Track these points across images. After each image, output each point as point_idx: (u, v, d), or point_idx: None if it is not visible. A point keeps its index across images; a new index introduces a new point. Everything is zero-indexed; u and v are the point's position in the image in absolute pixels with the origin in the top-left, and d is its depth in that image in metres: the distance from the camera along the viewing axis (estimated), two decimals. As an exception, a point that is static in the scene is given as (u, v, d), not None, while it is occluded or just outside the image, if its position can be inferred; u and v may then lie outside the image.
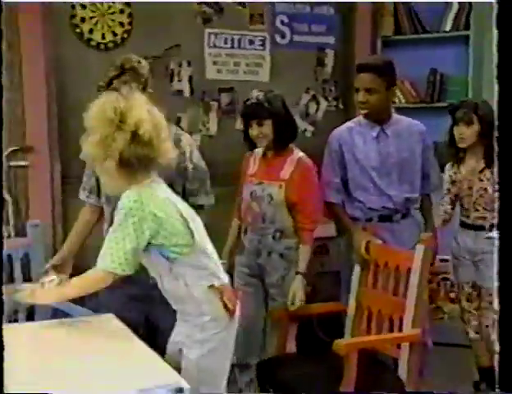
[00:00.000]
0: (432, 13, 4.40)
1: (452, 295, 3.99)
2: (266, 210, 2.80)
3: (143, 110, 1.96)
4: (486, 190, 3.05)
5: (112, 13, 3.81)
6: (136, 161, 1.94)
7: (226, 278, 2.07)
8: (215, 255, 2.08)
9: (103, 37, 3.81)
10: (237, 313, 2.05)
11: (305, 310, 2.78)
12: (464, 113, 3.05)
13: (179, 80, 4.02)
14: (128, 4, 3.83)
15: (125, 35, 3.85)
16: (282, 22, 4.29)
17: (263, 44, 4.24)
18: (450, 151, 3.19)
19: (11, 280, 2.87)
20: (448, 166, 3.21)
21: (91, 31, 3.77)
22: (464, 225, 3.16)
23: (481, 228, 3.07)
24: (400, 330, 2.41)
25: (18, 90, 3.54)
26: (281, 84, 4.23)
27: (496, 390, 1.54)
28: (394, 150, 2.90)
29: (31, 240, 2.98)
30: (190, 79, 4.05)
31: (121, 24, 3.83)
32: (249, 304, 2.80)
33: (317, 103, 4.47)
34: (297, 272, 2.75)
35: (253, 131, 2.81)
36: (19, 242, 3.17)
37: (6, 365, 1.42)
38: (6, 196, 3.44)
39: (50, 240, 3.55)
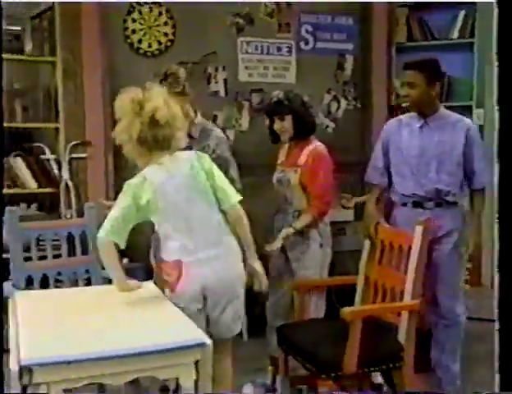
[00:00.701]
0: (441, 22, 4.55)
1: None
2: (286, 193, 3.07)
3: (159, 100, 2.20)
4: None
5: (158, 25, 4.09)
6: (152, 140, 2.19)
7: (192, 257, 2.23)
8: (189, 233, 2.25)
9: (150, 46, 4.08)
10: (181, 288, 2.22)
11: (324, 282, 3.04)
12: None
13: (215, 83, 4.26)
14: (171, 17, 4.10)
15: (169, 44, 4.12)
16: (307, 31, 4.49)
17: (290, 51, 4.44)
18: None
19: (73, 253, 3.13)
20: None
21: (140, 41, 4.05)
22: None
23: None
24: (401, 300, 2.57)
25: (79, 93, 3.82)
26: (306, 85, 4.45)
27: (496, 390, 1.54)
28: (435, 142, 2.90)
29: (87, 220, 3.14)
30: (225, 81, 4.28)
31: (166, 34, 4.11)
32: (275, 273, 3.08)
33: (338, 103, 4.65)
34: (290, 225, 2.97)
35: (276, 126, 3.07)
36: (78, 221, 3.45)
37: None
38: (69, 183, 3.73)
39: (103, 220, 3.84)
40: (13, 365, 1.70)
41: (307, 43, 4.52)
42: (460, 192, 2.99)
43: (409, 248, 2.60)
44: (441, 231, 2.92)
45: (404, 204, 3.00)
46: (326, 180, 3.01)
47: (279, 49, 4.42)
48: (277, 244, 2.96)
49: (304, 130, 3.05)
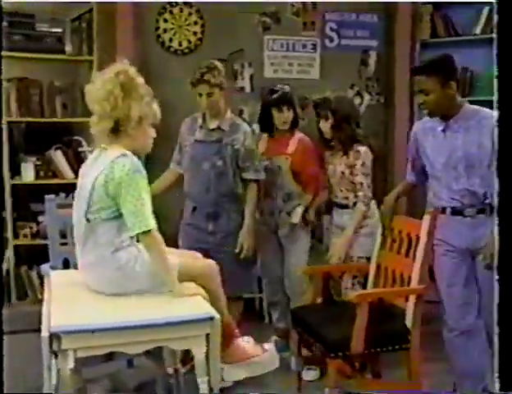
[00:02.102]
0: (464, 19, 4.52)
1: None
2: (276, 179, 3.27)
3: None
4: (343, 173, 3.16)
5: (188, 25, 4.23)
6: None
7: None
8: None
9: (180, 44, 4.23)
10: None
11: (339, 268, 3.14)
12: (322, 110, 3.22)
13: (242, 79, 4.38)
14: (201, 17, 4.24)
15: (198, 43, 4.25)
16: (331, 28, 4.54)
17: (314, 48, 4.51)
18: (320, 142, 3.33)
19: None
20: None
21: (171, 40, 4.21)
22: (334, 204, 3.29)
23: (345, 207, 3.19)
24: (409, 285, 2.64)
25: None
26: (329, 81, 4.52)
27: (496, 390, 1.54)
28: (460, 144, 2.62)
29: None
30: (251, 77, 4.39)
31: (195, 33, 4.25)
32: (268, 255, 3.37)
33: (361, 98, 4.69)
34: (299, 205, 3.28)
35: (285, 115, 3.27)
36: None
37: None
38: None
39: None
40: (44, 332, 1.86)
41: (331, 40, 4.57)
42: None
43: (417, 236, 2.67)
44: (482, 242, 2.56)
45: (443, 211, 2.72)
46: (315, 167, 3.30)
47: (304, 46, 4.49)
48: (296, 219, 3.27)
49: (296, 122, 3.34)
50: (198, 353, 1.96)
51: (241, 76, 4.38)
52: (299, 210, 3.26)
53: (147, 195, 2.09)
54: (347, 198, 3.19)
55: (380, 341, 2.55)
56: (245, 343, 2.26)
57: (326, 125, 3.21)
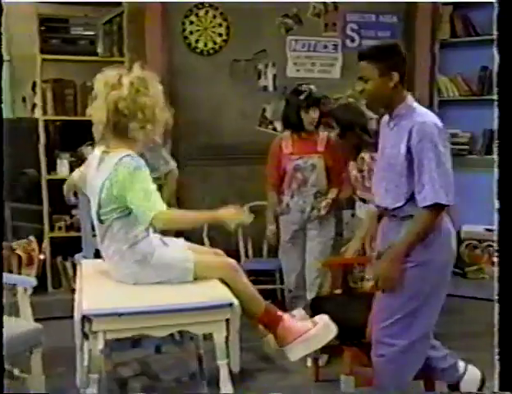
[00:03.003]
0: (483, 19, 4.50)
1: (495, 259, 4.19)
2: (308, 177, 3.30)
3: (126, 89, 2.07)
4: (356, 177, 3.11)
5: (213, 26, 4.31)
6: (112, 127, 2.10)
7: None
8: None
9: (206, 45, 4.31)
10: None
11: (358, 260, 3.11)
12: (327, 120, 3.22)
13: (265, 78, 4.43)
14: (225, 19, 4.32)
15: (223, 44, 4.33)
16: (352, 29, 4.57)
17: (336, 48, 4.54)
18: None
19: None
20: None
21: (197, 41, 4.29)
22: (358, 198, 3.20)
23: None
24: None
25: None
26: (350, 80, 4.52)
27: (496, 390, 1.51)
28: (389, 146, 2.28)
29: None
30: (274, 77, 4.44)
31: (220, 34, 4.33)
32: (293, 253, 3.39)
33: (382, 97, 4.76)
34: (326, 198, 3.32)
35: (314, 115, 3.28)
36: None
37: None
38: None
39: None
40: (77, 316, 1.96)
41: (352, 40, 4.60)
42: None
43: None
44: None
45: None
46: (343, 162, 3.30)
47: (325, 47, 4.53)
48: (324, 211, 3.32)
49: (320, 121, 3.34)
50: (219, 337, 2.02)
51: (264, 76, 4.44)
52: (327, 202, 3.31)
53: (151, 186, 2.07)
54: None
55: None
56: (292, 323, 2.22)
57: (332, 135, 3.25)
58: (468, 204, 4.02)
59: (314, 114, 3.29)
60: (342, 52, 4.56)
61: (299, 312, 2.37)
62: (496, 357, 1.51)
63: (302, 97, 3.31)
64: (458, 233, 4.66)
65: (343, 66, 4.56)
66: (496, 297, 1.50)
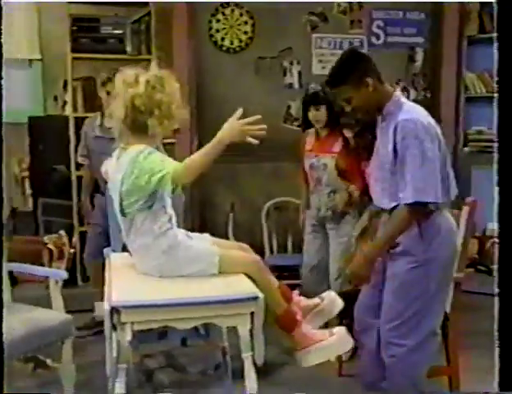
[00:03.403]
0: (512, 14, 4.46)
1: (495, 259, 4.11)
2: (322, 176, 3.30)
3: (142, 86, 2.06)
4: None
5: (239, 25, 4.35)
6: (130, 124, 2.10)
7: None
8: None
9: (232, 43, 4.35)
10: None
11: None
12: (345, 119, 3.15)
13: (290, 76, 4.45)
14: (251, 17, 4.34)
15: (249, 41, 4.36)
16: (378, 26, 4.56)
17: (361, 45, 4.52)
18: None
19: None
20: None
21: (223, 39, 4.33)
22: None
23: None
24: None
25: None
26: (376, 77, 4.57)
27: (496, 390, 1.51)
28: (378, 142, 2.30)
29: (176, 199, 3.42)
30: (299, 74, 4.46)
31: (246, 32, 4.36)
32: (311, 247, 3.42)
33: (408, 93, 4.66)
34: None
35: (311, 114, 3.26)
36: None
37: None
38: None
39: (188, 196, 4.01)
40: (106, 307, 2.00)
41: (378, 37, 4.58)
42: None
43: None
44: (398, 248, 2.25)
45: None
46: (358, 165, 3.26)
47: (351, 44, 4.53)
48: (340, 206, 3.29)
49: (336, 120, 3.26)
50: (243, 330, 2.04)
51: (290, 73, 4.46)
52: (341, 197, 3.27)
53: (163, 157, 2.08)
54: None
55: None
56: (310, 330, 2.21)
57: (348, 134, 3.21)
58: (493, 202, 3.95)
59: (317, 112, 3.26)
60: (368, 50, 4.53)
61: (328, 294, 2.31)
62: (496, 357, 1.50)
63: (306, 96, 3.35)
64: (484, 231, 4.61)
65: (369, 63, 4.55)
66: (497, 298, 1.50)
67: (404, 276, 2.20)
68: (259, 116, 2.10)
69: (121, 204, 2.18)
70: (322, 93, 3.25)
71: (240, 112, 2.08)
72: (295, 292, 2.34)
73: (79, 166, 4.05)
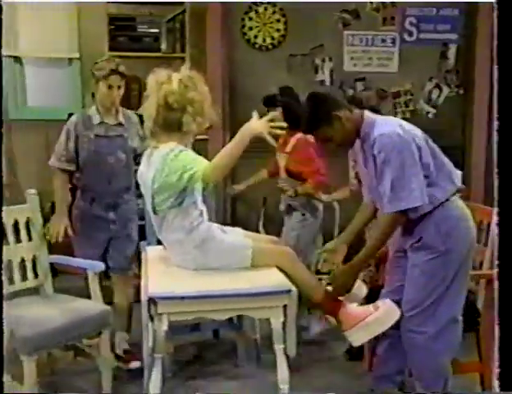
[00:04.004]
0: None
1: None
2: (280, 174, 3.40)
3: (175, 84, 2.16)
4: None
5: (271, 22, 4.36)
6: (163, 122, 2.18)
7: None
8: None
9: (264, 41, 4.37)
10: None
11: None
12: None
13: (322, 73, 4.44)
14: (284, 15, 4.36)
15: (281, 39, 4.38)
16: (411, 23, 4.50)
17: (393, 42, 4.48)
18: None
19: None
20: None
21: (256, 37, 4.36)
22: None
23: None
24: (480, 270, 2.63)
25: (203, 83, 4.23)
26: (407, 74, 4.52)
27: (497, 390, 1.50)
28: (362, 164, 2.39)
29: (208, 193, 3.26)
30: (331, 71, 4.45)
31: (278, 30, 4.37)
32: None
33: (440, 90, 4.61)
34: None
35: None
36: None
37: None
38: (193, 161, 4.13)
39: (221, 192, 4.10)
40: (143, 298, 2.06)
41: (410, 34, 4.53)
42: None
43: (488, 223, 2.65)
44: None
45: None
46: (317, 162, 3.26)
47: (383, 41, 4.49)
48: (281, 207, 3.41)
49: (293, 121, 3.02)
50: (276, 322, 2.08)
51: (321, 70, 4.46)
52: (289, 192, 3.28)
53: (194, 155, 2.17)
54: None
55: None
56: (353, 308, 2.26)
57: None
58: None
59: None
60: (400, 47, 4.50)
61: (384, 303, 2.30)
62: (496, 357, 1.50)
63: (263, 98, 3.39)
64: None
65: (400, 59, 4.50)
66: (496, 298, 1.50)
67: (423, 266, 2.25)
68: (277, 113, 2.12)
69: (152, 202, 2.22)
70: (279, 95, 3.28)
71: (255, 115, 2.15)
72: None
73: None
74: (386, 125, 2.22)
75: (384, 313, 2.23)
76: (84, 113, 2.96)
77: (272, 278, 2.15)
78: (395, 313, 2.25)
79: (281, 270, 2.23)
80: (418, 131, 2.26)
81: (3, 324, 1.46)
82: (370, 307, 2.26)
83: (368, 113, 2.30)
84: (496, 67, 1.47)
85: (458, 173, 2.32)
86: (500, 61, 1.47)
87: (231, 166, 2.13)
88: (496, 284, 1.50)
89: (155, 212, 2.24)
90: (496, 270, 1.53)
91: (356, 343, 2.28)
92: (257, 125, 2.11)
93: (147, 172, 2.25)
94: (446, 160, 2.30)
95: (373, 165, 2.22)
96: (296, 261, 2.29)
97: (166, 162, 2.13)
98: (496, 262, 1.48)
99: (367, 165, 2.30)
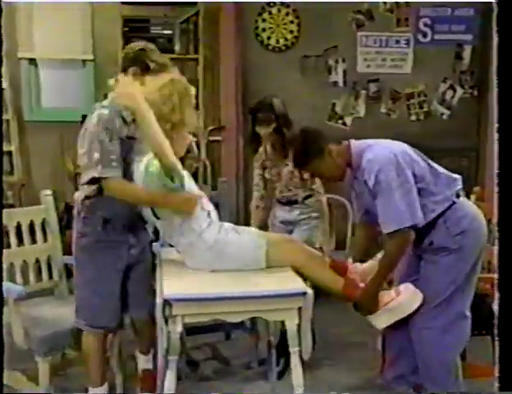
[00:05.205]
0: None
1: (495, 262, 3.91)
2: None
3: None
4: (293, 172, 2.97)
5: (285, 24, 4.35)
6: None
7: None
8: None
9: (278, 42, 4.36)
10: None
11: None
12: (263, 115, 2.93)
13: (335, 74, 4.42)
14: (297, 16, 4.34)
15: (294, 40, 4.36)
16: (425, 24, 4.46)
17: (407, 43, 4.45)
18: (252, 146, 3.10)
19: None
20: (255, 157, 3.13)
21: (269, 38, 4.34)
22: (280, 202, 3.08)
23: (295, 202, 3.03)
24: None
25: (216, 84, 4.20)
26: (421, 75, 4.49)
27: (496, 390, 1.50)
28: (358, 193, 2.42)
29: (221, 193, 3.40)
30: (344, 72, 4.42)
31: (291, 31, 4.36)
32: None
33: (454, 91, 4.58)
34: None
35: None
36: (212, 194, 3.78)
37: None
38: (207, 162, 4.13)
39: (234, 192, 4.19)
40: (158, 300, 2.05)
41: (425, 35, 4.50)
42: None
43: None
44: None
45: None
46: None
47: (397, 42, 4.46)
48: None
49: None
50: (291, 324, 2.06)
51: (335, 71, 4.43)
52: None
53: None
54: (296, 194, 3.06)
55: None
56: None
57: (267, 130, 2.98)
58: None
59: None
60: (414, 47, 4.47)
61: (406, 287, 2.30)
62: (496, 357, 1.49)
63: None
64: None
65: (414, 60, 4.48)
66: (496, 298, 1.50)
67: (437, 263, 2.27)
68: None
69: (151, 210, 2.24)
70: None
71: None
72: (349, 260, 2.38)
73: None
74: (373, 149, 2.25)
75: (407, 299, 2.25)
76: (111, 108, 2.24)
77: (287, 280, 2.13)
78: (418, 298, 2.26)
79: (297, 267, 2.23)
80: (405, 146, 2.29)
81: (3, 325, 1.51)
82: (392, 292, 2.27)
83: (354, 142, 2.33)
84: (495, 67, 1.47)
85: (456, 177, 2.34)
86: (501, 60, 1.46)
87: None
88: (496, 285, 1.51)
89: (157, 217, 2.25)
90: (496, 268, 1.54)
91: (379, 326, 2.31)
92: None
93: (138, 180, 2.26)
94: (440, 167, 2.33)
95: (367, 190, 2.26)
96: (310, 257, 2.29)
97: (147, 172, 2.17)
98: (496, 263, 1.49)
99: (362, 192, 2.33)
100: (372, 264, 2.35)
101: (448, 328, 2.28)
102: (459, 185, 2.31)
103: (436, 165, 2.33)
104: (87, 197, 2.27)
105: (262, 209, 3.16)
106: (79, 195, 2.33)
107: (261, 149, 3.11)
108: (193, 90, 2.28)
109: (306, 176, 2.98)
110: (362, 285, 2.28)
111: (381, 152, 2.22)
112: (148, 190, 2.17)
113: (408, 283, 2.30)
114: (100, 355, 2.34)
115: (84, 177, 2.22)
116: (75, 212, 2.36)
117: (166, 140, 2.09)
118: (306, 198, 3.06)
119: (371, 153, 2.23)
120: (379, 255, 2.32)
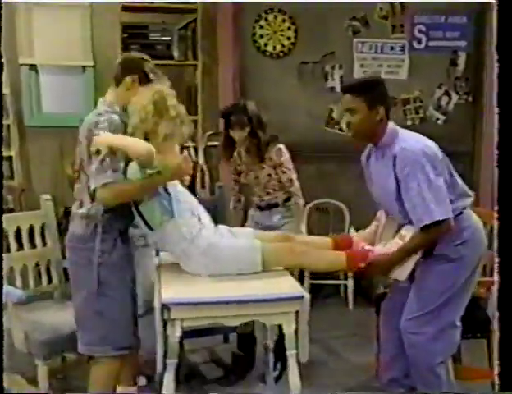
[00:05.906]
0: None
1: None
2: None
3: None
4: (270, 175, 2.99)
5: (282, 30, 4.36)
6: None
7: None
8: None
9: (275, 48, 4.37)
10: None
11: None
12: (237, 118, 2.92)
13: (332, 80, 4.43)
14: (294, 23, 4.36)
15: (291, 46, 4.37)
16: (420, 31, 4.48)
17: (403, 49, 4.47)
18: (226, 151, 3.09)
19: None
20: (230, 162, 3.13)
21: (266, 44, 4.36)
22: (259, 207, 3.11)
23: (275, 205, 3.05)
24: (491, 277, 2.60)
25: (214, 90, 4.20)
26: (417, 81, 4.51)
27: (496, 390, 1.51)
28: (377, 177, 2.37)
29: (217, 197, 3.42)
30: (341, 78, 4.43)
31: (288, 38, 4.37)
32: None
33: (449, 97, 4.59)
34: None
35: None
36: (210, 198, 3.74)
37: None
38: (204, 167, 4.14)
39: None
40: (157, 304, 2.05)
41: (420, 42, 4.52)
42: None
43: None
44: None
45: None
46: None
47: (392, 48, 4.48)
48: None
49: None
50: (288, 328, 2.06)
51: (332, 77, 4.45)
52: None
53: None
54: (276, 197, 3.08)
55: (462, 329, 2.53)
56: (382, 249, 2.28)
57: (242, 134, 2.96)
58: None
59: None
60: (409, 54, 4.49)
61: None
62: (496, 357, 1.49)
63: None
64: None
65: (410, 67, 4.50)
66: (496, 299, 1.50)
67: (435, 271, 2.27)
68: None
69: (143, 221, 2.22)
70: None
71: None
72: (351, 231, 2.41)
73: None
74: (410, 140, 2.24)
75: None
76: (118, 113, 2.21)
77: (284, 284, 2.14)
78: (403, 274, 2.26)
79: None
80: (436, 149, 2.26)
81: (3, 325, 1.51)
82: (396, 239, 2.26)
83: (392, 125, 2.29)
84: (496, 67, 1.47)
85: (470, 193, 2.35)
86: (501, 60, 1.46)
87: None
88: (495, 285, 1.53)
89: (151, 229, 2.22)
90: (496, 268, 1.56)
91: (402, 277, 2.27)
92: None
93: None
94: (459, 178, 2.33)
95: (394, 181, 2.22)
96: (305, 253, 2.27)
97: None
98: (496, 263, 1.50)
99: (384, 179, 2.27)
100: (375, 226, 2.37)
101: (438, 336, 2.29)
102: (471, 201, 2.32)
103: (456, 175, 2.32)
104: (105, 211, 2.15)
105: (240, 210, 3.25)
106: (95, 209, 2.16)
107: (235, 154, 3.10)
108: (173, 101, 2.21)
109: (284, 178, 2.99)
110: (368, 247, 2.27)
111: (418, 144, 2.20)
112: (137, 181, 2.14)
113: (408, 225, 2.26)
114: (114, 384, 2.24)
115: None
116: (81, 225, 2.19)
117: (125, 138, 2.12)
118: (286, 200, 3.07)
119: (406, 142, 2.21)
120: (403, 232, 2.27)
